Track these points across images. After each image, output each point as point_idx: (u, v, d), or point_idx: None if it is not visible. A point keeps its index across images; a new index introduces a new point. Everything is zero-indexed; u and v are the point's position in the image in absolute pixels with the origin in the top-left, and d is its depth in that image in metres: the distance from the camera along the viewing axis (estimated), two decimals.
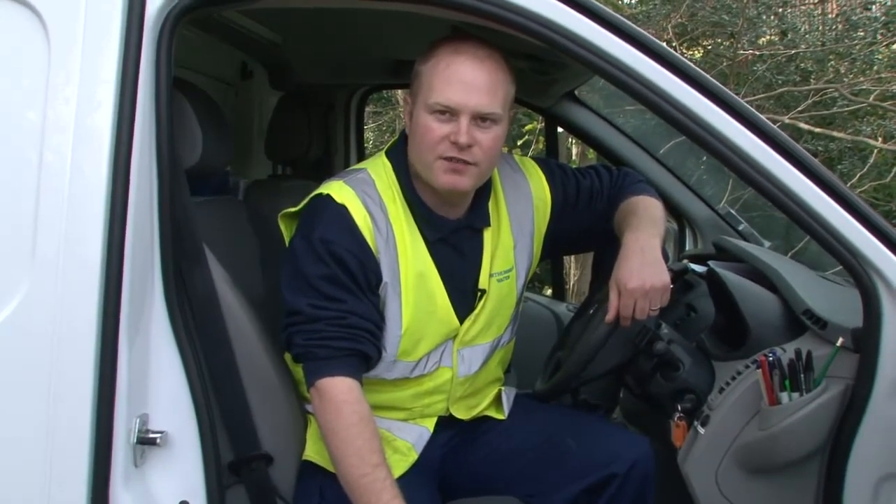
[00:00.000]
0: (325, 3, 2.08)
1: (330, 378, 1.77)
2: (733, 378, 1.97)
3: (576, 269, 7.14)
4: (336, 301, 1.79)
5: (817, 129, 7.50)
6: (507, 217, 2.02)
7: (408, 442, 1.97)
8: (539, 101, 3.22)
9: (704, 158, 5.15)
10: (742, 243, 2.67)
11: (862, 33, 8.08)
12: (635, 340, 2.03)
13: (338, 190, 1.86)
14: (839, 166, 7.86)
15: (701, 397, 2.02)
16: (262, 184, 3.03)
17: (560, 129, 3.65)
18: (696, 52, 8.40)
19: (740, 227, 3.07)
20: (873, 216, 1.75)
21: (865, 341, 1.77)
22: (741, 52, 7.78)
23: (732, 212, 3.14)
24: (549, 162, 2.18)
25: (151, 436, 1.66)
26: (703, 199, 3.16)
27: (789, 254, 4.21)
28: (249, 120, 3.38)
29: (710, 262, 2.37)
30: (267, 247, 2.45)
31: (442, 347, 1.96)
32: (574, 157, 7.33)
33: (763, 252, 2.45)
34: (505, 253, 2.01)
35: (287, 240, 1.94)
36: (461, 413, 2.05)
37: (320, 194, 1.87)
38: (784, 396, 1.84)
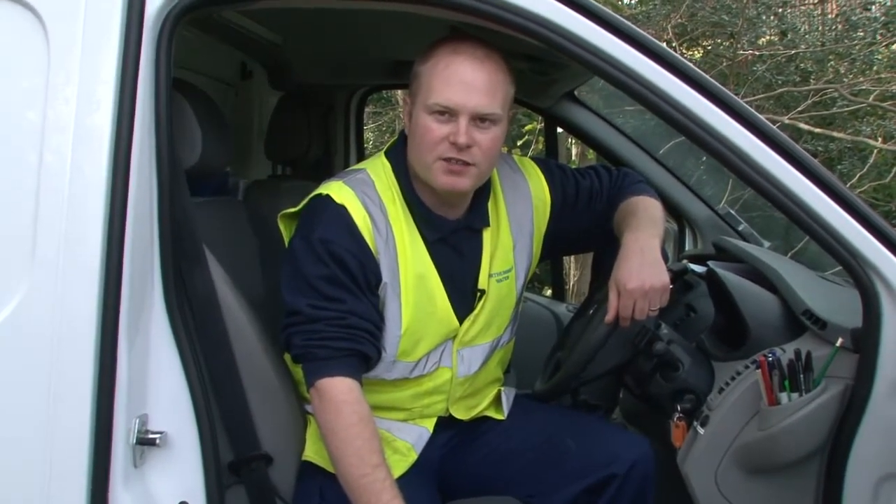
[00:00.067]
0: (324, 3, 2.08)
1: (329, 378, 1.77)
2: (733, 378, 1.97)
3: (575, 270, 7.14)
4: (336, 301, 1.79)
5: (817, 130, 7.50)
6: (506, 217, 2.02)
7: (407, 442, 1.97)
8: (539, 101, 3.22)
9: (704, 159, 5.15)
10: (742, 243, 2.67)
11: (861, 33, 8.08)
12: (635, 341, 2.03)
13: (337, 190, 1.86)
14: (839, 166, 7.86)
15: (700, 397, 2.02)
16: (261, 184, 3.03)
17: (560, 130, 3.65)
18: (695, 52, 8.41)
19: (740, 228, 3.07)
20: (873, 216, 1.75)
21: (865, 341, 1.77)
22: (741, 52, 7.78)
23: (732, 212, 3.14)
24: (549, 162, 2.18)
25: (151, 436, 1.66)
26: (702, 200, 3.16)
27: (789, 254, 4.20)
28: (249, 120, 3.38)
29: (710, 263, 2.37)
30: (267, 247, 2.45)
31: (441, 348, 1.96)
32: (574, 158, 7.33)
33: (763, 252, 2.46)
34: (504, 253, 2.01)
35: (286, 240, 1.94)
36: (461, 413, 2.05)
37: (320, 195, 1.87)
38: (783, 397, 1.84)
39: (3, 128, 1.67)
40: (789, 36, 8.34)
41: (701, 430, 1.97)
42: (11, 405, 1.64)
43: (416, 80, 1.86)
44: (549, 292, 4.84)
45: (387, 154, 1.97)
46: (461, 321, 1.96)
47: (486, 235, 1.99)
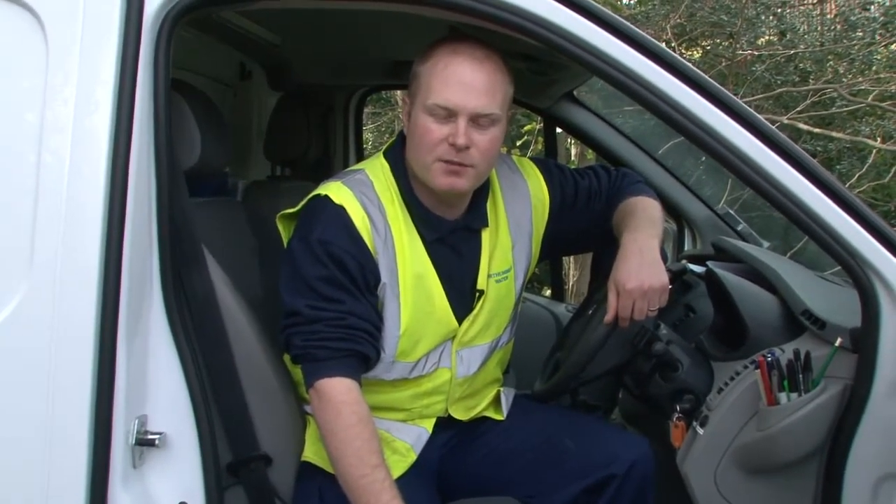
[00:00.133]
0: (323, 3, 2.08)
1: (329, 379, 1.77)
2: (732, 378, 1.97)
3: (575, 270, 7.14)
4: (334, 302, 1.79)
5: (816, 130, 7.50)
6: (505, 218, 2.02)
7: (406, 443, 1.97)
8: (538, 101, 3.22)
9: (703, 159, 5.14)
10: (741, 244, 2.67)
11: (860, 34, 8.08)
12: (634, 341, 2.03)
13: (336, 191, 1.86)
14: (838, 167, 7.87)
15: (700, 398, 2.02)
16: (260, 185, 3.03)
17: (559, 130, 3.65)
18: (694, 52, 8.41)
19: (739, 228, 3.07)
20: (872, 217, 1.75)
21: (864, 341, 1.77)
22: (740, 52, 7.79)
23: (731, 212, 3.14)
24: (548, 162, 2.18)
25: (150, 437, 1.66)
26: (701, 200, 3.16)
27: (788, 254, 4.21)
28: (248, 121, 3.38)
29: (709, 263, 2.37)
30: (266, 248, 2.45)
31: (441, 348, 1.96)
32: (573, 158, 7.33)
33: (762, 252, 2.46)
34: (503, 253, 2.01)
35: (285, 241, 1.94)
36: (460, 414, 2.05)
37: (318, 195, 1.87)
38: (783, 397, 1.84)
39: (2, 129, 1.67)
40: (788, 36, 8.34)
41: (700, 431, 1.97)
42: (11, 406, 1.64)
43: (415, 81, 1.86)
44: (548, 292, 4.84)
45: (385, 154, 1.97)
46: (460, 321, 1.95)
47: (485, 236, 1.99)
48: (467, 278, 1.97)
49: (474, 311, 1.98)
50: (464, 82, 1.79)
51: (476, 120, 1.80)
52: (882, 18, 8.10)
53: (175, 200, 1.72)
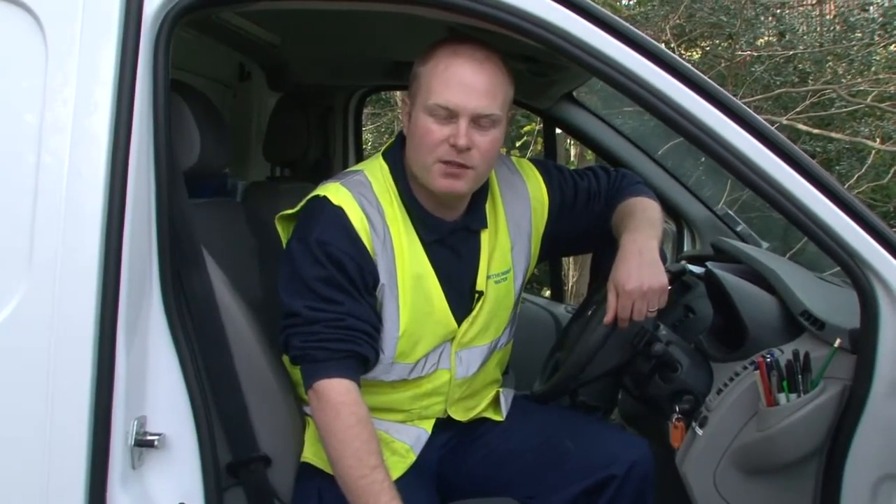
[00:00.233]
0: (322, 4, 2.08)
1: (328, 380, 1.77)
2: (731, 379, 1.97)
3: (574, 271, 7.14)
4: (333, 303, 1.79)
5: (815, 130, 7.51)
6: (504, 219, 2.02)
7: (406, 444, 1.97)
8: (537, 102, 3.22)
9: (703, 159, 5.15)
10: (740, 244, 2.67)
11: (860, 34, 8.09)
12: (633, 342, 2.03)
13: (334, 192, 1.86)
14: (837, 167, 7.87)
15: (699, 398, 2.03)
16: (260, 185, 3.03)
17: (558, 131, 3.65)
18: (694, 53, 8.42)
19: (738, 229, 3.07)
20: (871, 217, 1.76)
21: (863, 342, 1.77)
22: (739, 53, 7.79)
23: (731, 213, 3.14)
24: (547, 163, 2.18)
25: (149, 438, 1.66)
26: (701, 200, 3.16)
27: (787, 255, 4.21)
28: (247, 121, 3.38)
29: (708, 264, 2.37)
30: (265, 248, 2.45)
31: (440, 349, 1.96)
32: (572, 159, 7.34)
33: (761, 253, 2.46)
34: (502, 254, 2.01)
35: (284, 242, 1.94)
36: (459, 415, 2.05)
37: (317, 196, 1.87)
38: (782, 398, 1.84)
39: (2, 129, 1.67)
40: (787, 37, 8.34)
41: (699, 431, 1.97)
42: (10, 406, 1.64)
43: (415, 81, 1.86)
44: (547, 293, 4.84)
45: (384, 155, 1.97)
46: (459, 322, 1.95)
47: (484, 237, 1.99)
48: (466, 279, 1.97)
49: (473, 313, 1.98)
50: (465, 83, 1.79)
51: (477, 121, 1.80)
52: (881, 19, 8.11)
53: (174, 201, 1.72)
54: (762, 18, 8.30)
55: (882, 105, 7.52)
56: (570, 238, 2.14)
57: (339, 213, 1.83)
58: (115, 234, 1.62)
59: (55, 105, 1.64)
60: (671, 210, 3.14)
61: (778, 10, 8.62)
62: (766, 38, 8.40)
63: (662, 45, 1.83)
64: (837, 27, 8.65)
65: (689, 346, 2.14)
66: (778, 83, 7.86)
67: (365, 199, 1.87)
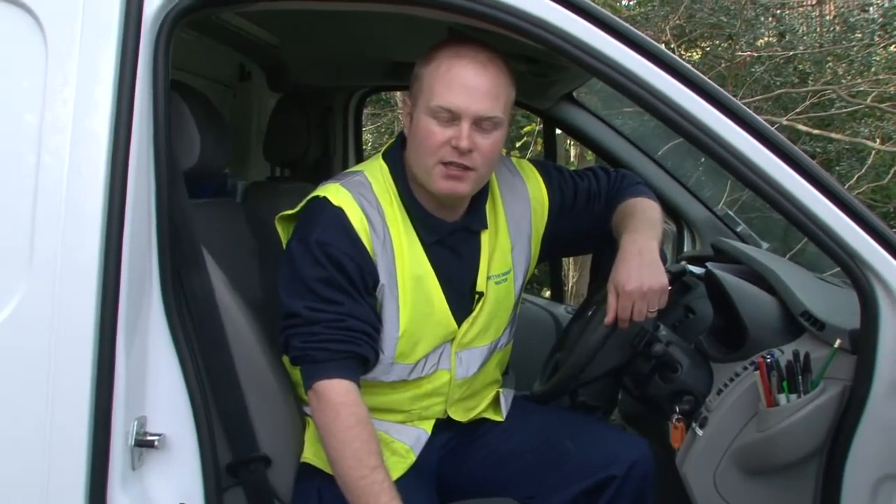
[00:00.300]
0: (322, 4, 2.08)
1: (328, 380, 1.77)
2: (731, 380, 1.97)
3: (574, 271, 7.14)
4: (333, 304, 1.79)
5: (815, 131, 7.51)
6: (504, 219, 2.02)
7: (406, 444, 1.97)
8: (537, 102, 3.22)
9: (703, 160, 5.15)
10: (740, 245, 2.67)
11: (859, 35, 8.08)
12: (633, 342, 2.03)
13: (334, 192, 1.86)
14: (837, 168, 7.87)
15: (699, 399, 2.03)
16: (260, 186, 3.03)
17: (558, 131, 3.65)
18: (694, 53, 8.41)
19: (738, 229, 3.07)
20: (871, 218, 1.76)
21: (863, 343, 1.77)
22: (739, 53, 7.79)
23: (731, 213, 3.14)
24: (547, 164, 2.18)
25: (149, 438, 1.66)
26: (701, 201, 3.16)
27: (787, 255, 4.21)
28: (247, 122, 3.38)
29: (708, 264, 2.37)
30: (265, 249, 2.45)
31: (440, 350, 1.96)
32: (572, 159, 7.34)
33: (761, 254, 2.46)
34: (503, 255, 2.01)
35: (284, 242, 1.94)
36: (459, 415, 2.05)
37: (317, 197, 1.87)
38: (782, 398, 1.84)
39: (2, 129, 1.67)
40: (787, 37, 8.34)
41: (699, 432, 1.97)
42: (10, 406, 1.64)
43: (417, 82, 1.86)
44: (547, 294, 4.84)
45: (384, 156, 1.97)
46: (459, 323, 1.95)
47: (485, 237, 1.99)
48: (466, 280, 1.97)
49: (474, 313, 1.98)
50: (467, 85, 1.79)
51: (479, 123, 1.80)
52: (881, 20, 8.10)
53: (174, 201, 1.73)
54: (762, 19, 8.30)
55: (882, 105, 7.52)
56: (570, 239, 2.14)
57: (339, 213, 1.83)
58: (115, 234, 1.62)
59: (55, 105, 1.64)
60: (671, 210, 3.15)
61: (778, 11, 8.62)
62: (766, 39, 8.39)
63: (662, 46, 1.83)
64: (837, 28, 8.64)
65: (690, 346, 2.14)
66: (778, 84, 7.86)
67: (365, 199, 1.87)
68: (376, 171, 1.94)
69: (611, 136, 3.21)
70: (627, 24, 1.76)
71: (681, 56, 7.52)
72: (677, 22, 7.75)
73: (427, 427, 2.01)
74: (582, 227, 2.11)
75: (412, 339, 1.89)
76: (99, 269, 1.62)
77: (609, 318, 1.87)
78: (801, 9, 9.51)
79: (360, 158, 3.75)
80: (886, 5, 8.27)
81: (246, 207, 2.64)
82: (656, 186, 2.92)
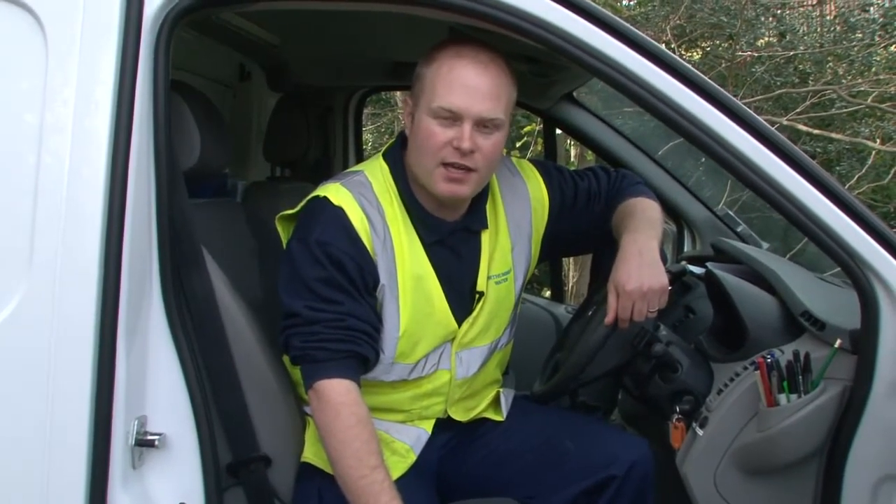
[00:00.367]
0: (322, 4, 2.08)
1: (328, 380, 1.77)
2: (731, 380, 1.97)
3: (574, 271, 7.14)
4: (333, 303, 1.79)
5: (816, 131, 7.51)
6: (504, 219, 2.02)
7: (406, 444, 1.97)
8: (538, 102, 3.22)
9: (703, 160, 5.15)
10: (740, 245, 2.67)
11: (860, 35, 8.09)
12: (634, 342, 2.03)
13: (335, 192, 1.86)
14: (837, 168, 7.87)
15: (699, 399, 2.02)
16: (260, 186, 3.03)
17: (558, 131, 3.65)
18: (694, 53, 8.41)
19: (738, 229, 3.07)
20: (871, 218, 1.76)
21: (863, 343, 1.77)
22: (740, 53, 7.79)
23: (731, 213, 3.14)
24: (547, 164, 2.18)
25: (150, 438, 1.66)
26: (701, 201, 3.16)
27: (787, 255, 4.21)
28: (248, 122, 3.38)
29: (709, 264, 2.37)
30: (265, 249, 2.45)
31: (440, 350, 1.96)
32: (572, 159, 7.34)
33: (761, 254, 2.46)
34: (503, 255, 2.01)
35: (284, 242, 1.94)
36: (459, 415, 2.05)
37: (317, 197, 1.87)
38: (782, 398, 1.84)
39: (2, 130, 1.67)
40: (788, 37, 8.34)
41: (700, 432, 1.97)
42: (10, 406, 1.64)
43: (418, 83, 1.86)
44: (547, 294, 4.84)
45: (385, 156, 1.97)
46: (460, 323, 1.95)
47: (485, 237, 1.99)
48: (467, 280, 1.97)
49: (474, 313, 1.98)
50: (469, 86, 1.79)
51: (481, 124, 1.80)
52: (881, 20, 8.10)
53: (174, 201, 1.73)
54: (762, 19, 8.30)
55: (882, 105, 7.52)
56: (571, 239, 2.14)
57: (339, 213, 1.83)
58: (115, 235, 1.62)
59: (55, 105, 1.64)
60: (671, 210, 3.15)
61: (778, 11, 8.63)
62: (766, 39, 8.40)
63: (663, 46, 1.83)
64: (838, 28, 8.65)
65: (690, 346, 2.14)
66: (778, 84, 7.86)
67: (365, 199, 1.87)
68: (377, 171, 1.94)
69: (611, 136, 3.21)
70: (628, 24, 1.76)
71: (681, 56, 7.52)
72: (678, 22, 7.75)
73: (427, 427, 2.01)
74: (582, 227, 2.11)
75: (412, 338, 1.89)
76: (99, 268, 1.62)
77: (609, 318, 1.87)
78: (801, 9, 9.51)
79: (360, 158, 3.76)
80: (887, 5, 8.27)
81: (246, 207, 2.64)
82: (656, 186, 2.92)
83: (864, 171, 7.41)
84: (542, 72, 2.65)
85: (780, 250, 3.95)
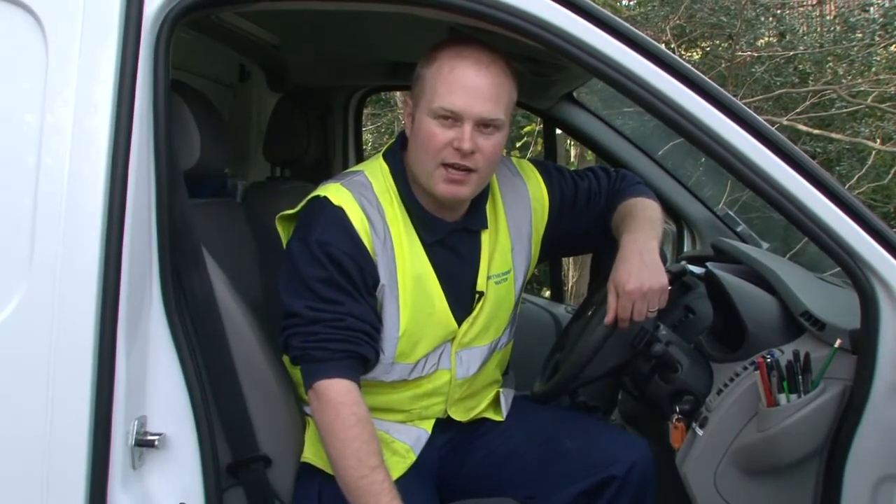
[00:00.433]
0: (322, 4, 2.08)
1: (328, 380, 1.77)
2: (731, 380, 1.97)
3: (574, 271, 7.14)
4: (333, 303, 1.79)
5: (816, 131, 7.51)
6: (504, 219, 2.02)
7: (406, 444, 1.97)
8: (538, 102, 3.22)
9: (703, 160, 5.15)
10: (740, 245, 2.67)
11: (860, 35, 8.09)
12: (633, 342, 2.03)
13: (335, 192, 1.86)
14: (837, 168, 7.87)
15: (699, 399, 2.02)
16: (260, 186, 3.03)
17: (558, 131, 3.65)
18: (694, 53, 8.41)
19: (738, 229, 3.07)
20: (871, 218, 1.76)
21: (863, 343, 1.77)
22: (739, 53, 7.79)
23: (731, 213, 3.14)
24: (547, 164, 2.18)
25: (150, 438, 1.66)
26: (701, 201, 3.16)
27: (787, 255, 4.21)
28: (247, 122, 3.37)
29: (709, 264, 2.37)
30: (265, 249, 2.45)
31: (440, 349, 1.96)
32: (572, 159, 7.34)
33: (761, 254, 2.46)
34: (503, 255, 2.01)
35: (284, 242, 1.94)
36: (459, 415, 2.05)
37: (317, 197, 1.87)
38: (782, 398, 1.84)
39: (2, 130, 1.67)
40: (788, 37, 8.34)
41: (700, 432, 1.97)
42: (10, 406, 1.64)
43: (418, 83, 1.86)
44: (547, 294, 4.84)
45: (385, 156, 1.97)
46: (460, 323, 1.95)
47: (485, 237, 1.99)
48: (467, 280, 1.97)
49: (474, 313, 1.98)
50: (469, 87, 1.79)
51: (481, 125, 1.80)
52: (881, 20, 8.10)
53: (175, 201, 1.73)
54: (762, 19, 8.30)
55: (882, 105, 7.52)
56: (571, 239, 2.14)
57: (339, 213, 1.83)
58: (115, 235, 1.62)
59: (55, 106, 1.64)
60: (671, 210, 3.15)
61: (778, 11, 8.62)
62: (766, 39, 8.40)
63: (662, 46, 1.83)
64: (838, 28, 8.65)
65: (690, 346, 2.14)
66: (778, 84, 7.86)
67: (365, 199, 1.87)
68: (377, 171, 1.94)
69: (611, 136, 3.21)
70: (628, 24, 1.76)
71: (681, 56, 7.52)
72: (677, 22, 7.76)
73: (427, 427, 2.01)
74: (582, 227, 2.11)
75: (412, 338, 1.89)
76: (99, 269, 1.62)
77: (609, 318, 1.87)
78: (801, 9, 9.51)
79: (360, 158, 3.75)
80: (887, 5, 8.28)
81: (246, 207, 2.64)
82: (656, 186, 2.92)
83: (864, 171, 7.41)
84: (542, 72, 2.65)
85: (780, 250, 3.96)
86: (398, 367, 1.92)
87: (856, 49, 8.09)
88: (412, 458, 1.96)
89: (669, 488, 2.03)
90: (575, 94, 3.21)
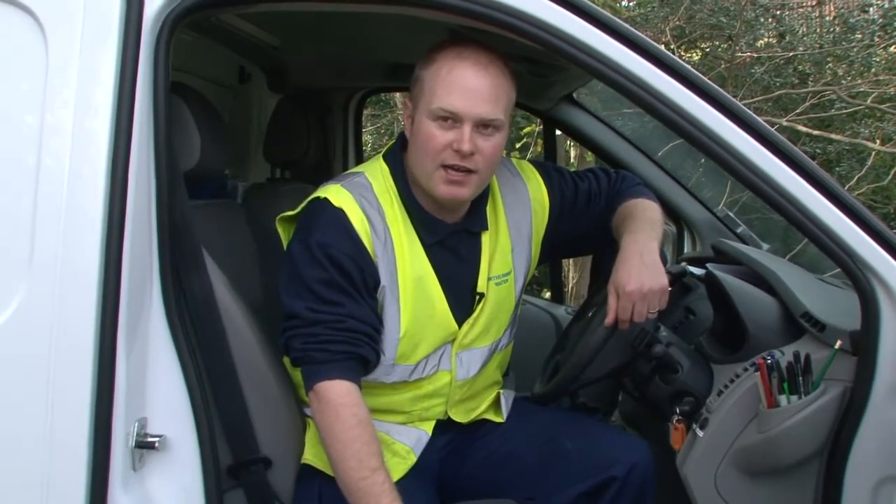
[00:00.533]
0: (322, 6, 2.08)
1: (328, 381, 1.77)
2: (732, 381, 1.97)
3: (574, 272, 7.14)
4: (334, 305, 1.79)
5: (815, 132, 7.51)
6: (504, 221, 2.02)
7: (406, 445, 1.97)
8: (537, 103, 3.22)
9: (703, 161, 5.15)
10: (740, 246, 2.67)
11: (859, 36, 8.09)
12: (634, 343, 2.02)
13: (335, 194, 1.86)
14: (837, 169, 7.86)
15: (699, 400, 2.02)
16: (260, 187, 3.03)
17: (558, 132, 3.66)
18: (694, 54, 8.41)
19: (738, 230, 3.07)
20: (871, 219, 1.76)
21: (864, 344, 1.77)
22: (739, 54, 7.79)
23: (731, 214, 3.14)
24: (547, 165, 2.18)
25: (150, 440, 1.66)
26: (701, 202, 3.16)
27: (787, 256, 4.21)
28: (247, 123, 3.38)
29: (709, 265, 2.37)
30: (265, 250, 2.45)
31: (440, 351, 1.96)
32: (572, 160, 7.33)
33: (761, 255, 2.46)
34: (503, 256, 2.01)
35: (285, 243, 1.94)
36: (460, 416, 2.05)
37: (318, 198, 1.87)
38: (782, 399, 1.84)
39: (2, 131, 1.67)
40: (787, 38, 8.34)
41: (700, 433, 1.97)
42: (10, 408, 1.64)
43: (418, 84, 1.86)
44: (547, 295, 4.84)
45: (385, 157, 1.97)
46: (460, 324, 1.95)
47: (485, 239, 1.99)
48: (467, 281, 1.97)
49: (474, 314, 1.98)
50: (468, 88, 1.79)
51: (481, 126, 1.80)
52: (881, 20, 8.10)
53: (175, 203, 1.72)
54: (762, 20, 8.30)
55: (882, 106, 7.52)
56: (571, 240, 2.14)
57: (339, 214, 1.83)
58: (115, 236, 1.62)
59: (56, 107, 1.64)
60: (671, 212, 3.15)
61: (778, 12, 8.63)
62: (765, 40, 8.39)
63: (662, 47, 1.83)
64: (837, 28, 8.64)
65: (690, 347, 2.14)
66: (778, 84, 7.86)
67: (366, 200, 1.87)
68: (377, 172, 1.94)
69: (611, 137, 3.21)
70: (627, 25, 1.76)
71: (680, 57, 7.51)
72: (677, 23, 7.75)
73: (428, 428, 2.01)
74: (582, 228, 2.11)
75: (413, 340, 1.89)
76: (99, 270, 1.62)
77: (609, 320, 1.87)
78: (800, 9, 9.51)
79: (359, 159, 3.75)
80: (886, 6, 8.27)
81: (246, 209, 2.64)
82: (656, 187, 2.92)
83: (863, 171, 7.41)
84: (541, 72, 2.65)
85: (780, 251, 3.95)
86: (399, 368, 1.92)
87: (855, 50, 8.08)
88: (413, 459, 1.96)
89: (670, 489, 2.03)
90: (575, 95, 3.22)
